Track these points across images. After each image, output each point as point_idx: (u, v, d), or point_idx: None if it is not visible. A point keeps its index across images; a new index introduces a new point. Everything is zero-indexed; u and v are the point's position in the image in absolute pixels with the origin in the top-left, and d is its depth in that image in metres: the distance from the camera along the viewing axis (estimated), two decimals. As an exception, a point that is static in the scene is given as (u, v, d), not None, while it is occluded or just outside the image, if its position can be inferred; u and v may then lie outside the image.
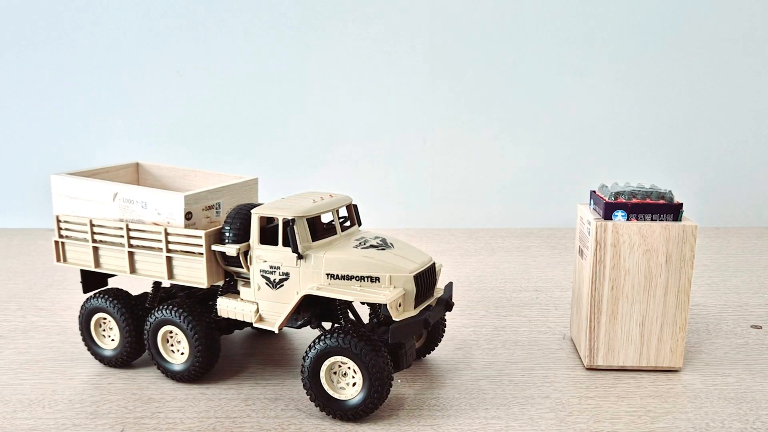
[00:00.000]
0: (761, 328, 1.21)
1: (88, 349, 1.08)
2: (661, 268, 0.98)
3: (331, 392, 0.89)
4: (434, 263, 0.96)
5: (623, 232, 0.97)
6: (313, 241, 0.92)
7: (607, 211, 0.98)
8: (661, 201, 1.00)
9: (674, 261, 0.98)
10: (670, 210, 0.99)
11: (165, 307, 1.00)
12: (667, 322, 0.99)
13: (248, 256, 0.95)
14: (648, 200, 0.99)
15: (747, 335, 1.18)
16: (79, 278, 1.10)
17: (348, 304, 0.98)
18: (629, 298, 0.99)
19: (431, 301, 0.95)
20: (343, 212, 1.02)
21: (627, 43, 1.95)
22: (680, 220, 1.00)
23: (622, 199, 0.99)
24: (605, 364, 1.02)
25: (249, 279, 0.96)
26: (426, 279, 0.93)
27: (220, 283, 1.00)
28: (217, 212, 0.99)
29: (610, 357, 1.02)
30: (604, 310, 1.00)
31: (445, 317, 1.08)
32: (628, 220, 0.98)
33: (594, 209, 1.04)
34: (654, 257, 0.97)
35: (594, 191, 1.05)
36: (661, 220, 0.99)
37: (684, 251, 0.97)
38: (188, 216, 0.94)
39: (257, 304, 0.96)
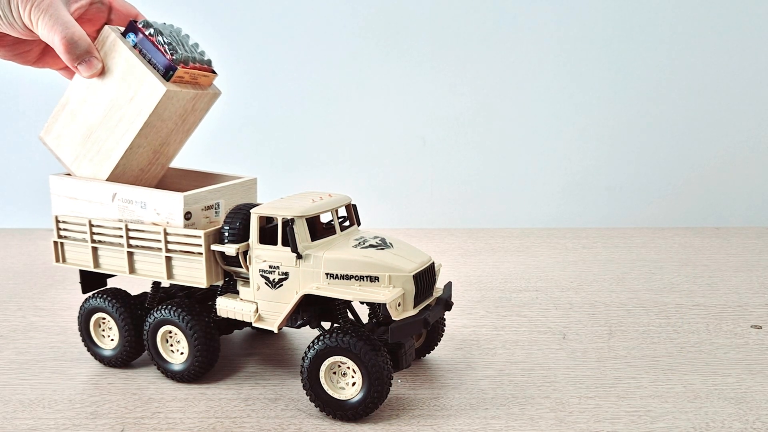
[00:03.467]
0: (761, 328, 1.21)
1: (88, 350, 1.08)
2: None
3: (330, 392, 0.89)
4: (433, 263, 0.96)
5: None
6: (312, 240, 0.92)
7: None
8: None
9: None
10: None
11: (164, 307, 0.99)
12: None
13: (247, 256, 0.95)
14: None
15: (747, 335, 1.18)
16: (78, 279, 1.10)
17: (347, 304, 0.98)
18: None
19: (430, 300, 0.95)
20: (342, 212, 1.02)
21: (626, 43, 1.95)
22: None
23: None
24: None
25: (248, 279, 0.96)
26: (425, 278, 0.92)
27: (220, 283, 1.00)
28: (216, 212, 0.99)
29: None
30: None
31: (445, 317, 1.08)
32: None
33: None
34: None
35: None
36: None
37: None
38: (187, 216, 0.94)
39: (257, 303, 0.96)
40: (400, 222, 2.07)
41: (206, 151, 2.06)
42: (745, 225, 2.02)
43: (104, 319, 1.06)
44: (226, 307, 0.98)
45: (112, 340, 1.06)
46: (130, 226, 0.99)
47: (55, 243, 1.06)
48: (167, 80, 0.95)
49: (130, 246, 1.00)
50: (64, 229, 1.05)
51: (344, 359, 0.88)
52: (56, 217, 1.05)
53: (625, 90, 1.99)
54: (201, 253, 0.95)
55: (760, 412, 0.91)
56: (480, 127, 2.03)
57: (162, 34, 0.96)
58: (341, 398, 0.89)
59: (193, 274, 0.97)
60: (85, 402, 0.96)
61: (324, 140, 2.06)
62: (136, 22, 0.95)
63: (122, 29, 0.96)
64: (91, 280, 1.10)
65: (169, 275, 0.99)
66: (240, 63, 2.00)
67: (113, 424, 0.89)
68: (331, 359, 0.88)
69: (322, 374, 0.89)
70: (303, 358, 0.90)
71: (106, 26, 0.95)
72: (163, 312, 0.99)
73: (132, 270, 1.01)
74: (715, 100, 1.98)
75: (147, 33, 0.95)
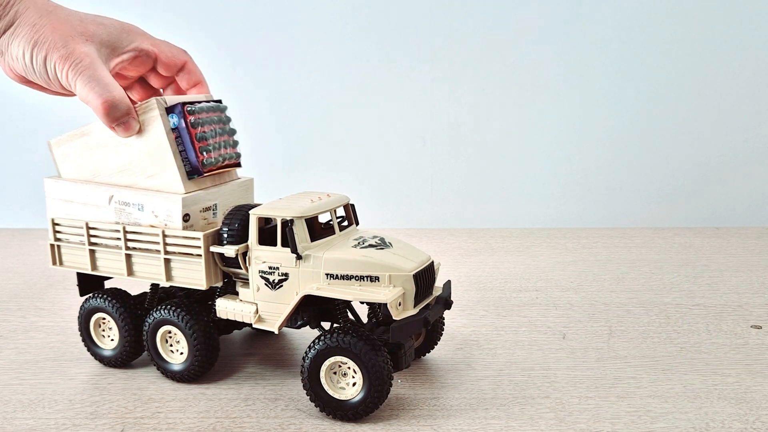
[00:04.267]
0: (761, 328, 1.21)
1: (88, 350, 1.08)
2: None
3: (331, 392, 0.89)
4: (433, 262, 0.96)
5: None
6: (311, 241, 0.92)
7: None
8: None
9: None
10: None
11: (164, 307, 0.99)
12: None
13: (247, 257, 0.95)
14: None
15: (747, 335, 1.18)
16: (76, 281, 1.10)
17: (347, 304, 0.98)
18: None
19: (430, 299, 0.95)
20: (341, 212, 1.02)
21: (626, 43, 1.95)
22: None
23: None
24: None
25: (248, 280, 0.96)
26: (425, 278, 0.92)
27: (219, 284, 1.00)
28: (214, 213, 0.99)
29: None
30: None
31: (444, 316, 1.08)
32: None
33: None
34: None
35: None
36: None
37: None
38: (186, 218, 0.94)
39: (256, 304, 0.96)
40: (400, 222, 2.07)
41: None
42: (745, 225, 2.02)
43: (104, 319, 1.06)
44: (225, 308, 0.98)
45: (112, 340, 1.06)
46: (128, 228, 0.99)
47: (52, 246, 1.06)
48: (189, 179, 0.95)
49: (128, 248, 1.00)
50: (61, 232, 1.05)
51: (345, 359, 0.88)
52: (52, 220, 1.05)
53: (626, 90, 1.99)
54: (200, 255, 0.95)
55: (760, 412, 0.91)
56: (480, 127, 2.03)
57: (203, 127, 0.95)
58: (341, 398, 0.89)
59: (193, 275, 0.97)
60: (85, 402, 0.96)
61: (324, 140, 2.06)
62: (185, 104, 0.93)
63: (168, 103, 0.94)
64: (89, 283, 1.10)
65: (168, 277, 0.98)
66: (240, 63, 2.00)
67: (113, 424, 0.89)
68: (332, 359, 0.88)
69: (322, 374, 0.89)
70: (303, 358, 0.90)
71: (154, 99, 0.93)
72: (162, 312, 0.99)
73: (130, 272, 1.01)
74: (716, 100, 1.98)
75: (189, 121, 0.93)
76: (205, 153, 0.95)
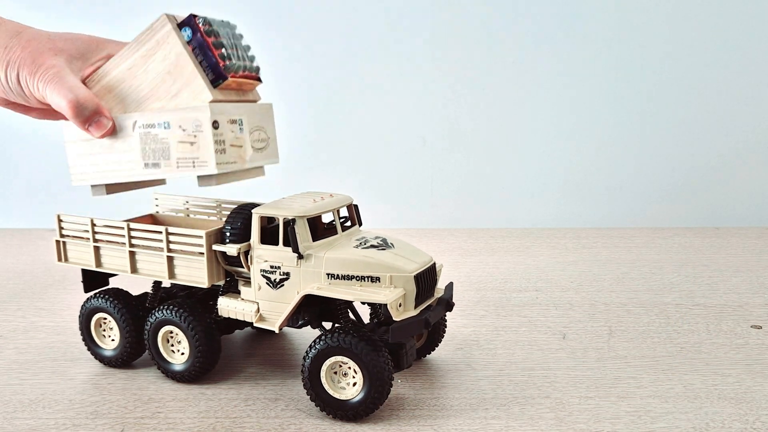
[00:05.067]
0: (761, 328, 1.21)
1: (88, 349, 1.08)
2: None
3: (331, 392, 0.89)
4: (434, 263, 0.96)
5: None
6: (313, 241, 0.92)
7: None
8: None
9: None
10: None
11: (165, 307, 0.99)
12: None
13: (249, 256, 0.95)
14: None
15: (747, 335, 1.18)
16: (80, 278, 1.10)
17: (348, 304, 0.98)
18: None
19: (432, 301, 0.95)
20: (344, 212, 1.02)
21: (627, 43, 1.95)
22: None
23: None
24: None
25: (249, 279, 0.96)
26: (426, 279, 0.92)
27: (221, 282, 1.00)
28: (240, 128, 0.93)
29: None
30: None
31: (446, 317, 1.08)
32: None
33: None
34: None
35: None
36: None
37: None
38: (215, 125, 0.88)
39: (258, 303, 0.96)
40: (401, 222, 2.07)
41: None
42: (745, 225, 2.02)
43: (105, 319, 1.06)
44: (227, 307, 0.98)
45: (113, 340, 1.06)
46: (132, 226, 0.99)
47: (57, 242, 1.07)
48: (214, 87, 0.89)
49: (132, 245, 1.00)
50: (66, 228, 1.06)
51: (345, 359, 0.88)
52: (58, 216, 1.06)
53: (626, 90, 1.99)
54: (202, 253, 0.95)
55: (760, 412, 0.91)
56: (480, 126, 2.03)
57: (218, 36, 0.90)
58: (342, 398, 0.89)
59: (195, 274, 0.97)
60: (86, 402, 0.96)
61: (325, 140, 2.06)
62: (195, 16, 0.90)
63: (179, 19, 0.90)
64: (93, 280, 1.10)
65: (171, 275, 0.99)
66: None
67: (113, 424, 0.89)
68: (333, 359, 0.88)
69: (323, 374, 0.89)
70: (304, 358, 0.90)
71: (164, 14, 0.89)
72: (164, 312, 0.99)
73: (134, 269, 1.01)
74: (716, 100, 1.98)
75: (204, 30, 0.89)
76: (225, 59, 0.89)
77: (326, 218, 1.00)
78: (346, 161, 2.06)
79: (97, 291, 1.08)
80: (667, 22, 1.93)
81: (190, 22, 0.89)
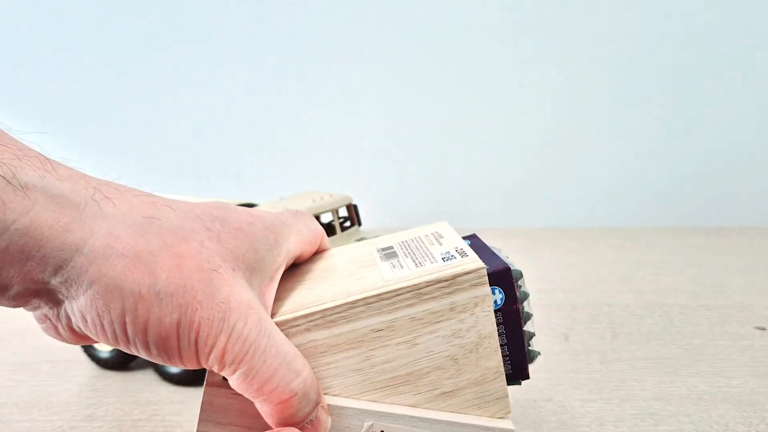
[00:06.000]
0: (766, 329, 1.20)
1: (85, 351, 1.07)
2: None
3: None
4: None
5: None
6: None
7: None
8: None
9: None
10: None
11: (162, 308, 0.98)
12: None
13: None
14: None
15: (751, 337, 1.16)
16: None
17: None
18: None
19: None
20: (343, 212, 1.01)
21: (627, 43, 1.94)
22: None
23: None
24: None
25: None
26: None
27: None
28: None
29: None
30: None
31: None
32: None
33: None
34: None
35: None
36: None
37: None
38: None
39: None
40: (400, 222, 2.06)
41: (205, 150, 2.06)
42: (750, 225, 2.01)
43: (101, 320, 1.05)
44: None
45: (110, 341, 1.05)
46: None
47: None
48: (509, 382, 0.58)
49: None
50: None
51: None
52: None
53: (629, 89, 1.98)
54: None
55: (765, 414, 0.89)
56: (480, 126, 2.02)
57: (523, 298, 0.59)
58: None
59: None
60: (82, 404, 0.95)
61: (325, 140, 2.05)
62: (510, 271, 0.56)
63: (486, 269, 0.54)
64: None
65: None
66: (239, 60, 2.00)
67: (110, 427, 0.88)
68: None
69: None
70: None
71: (484, 267, 0.53)
72: (160, 313, 0.98)
73: None
74: (721, 98, 1.97)
75: (517, 295, 0.57)
76: (532, 342, 0.60)
77: (325, 218, 0.99)
78: (346, 161, 2.05)
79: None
80: (668, 22, 1.92)
81: (506, 281, 0.56)
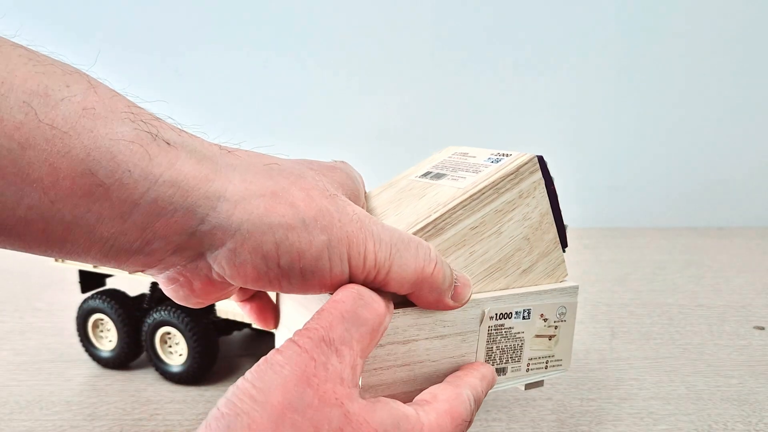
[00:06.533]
0: (764, 329, 1.20)
1: (86, 351, 1.08)
2: None
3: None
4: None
5: None
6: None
7: None
8: None
9: None
10: None
11: (163, 308, 0.99)
12: None
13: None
14: None
15: (750, 336, 1.17)
16: (77, 278, 1.09)
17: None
18: None
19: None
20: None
21: (628, 43, 1.94)
22: None
23: None
24: None
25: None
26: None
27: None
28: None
29: None
30: None
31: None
32: None
33: None
34: None
35: None
36: None
37: None
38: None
39: (256, 304, 0.94)
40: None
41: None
42: (748, 225, 2.01)
43: (102, 320, 1.05)
44: (226, 308, 0.98)
45: (110, 341, 1.06)
46: None
47: None
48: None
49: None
50: None
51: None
52: None
53: (628, 89, 1.98)
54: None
55: (763, 413, 0.90)
56: (480, 126, 2.02)
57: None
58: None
59: (192, 274, 0.96)
60: (83, 404, 0.95)
61: (324, 138, 2.05)
62: (543, 158, 0.66)
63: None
64: (90, 280, 1.09)
65: (168, 276, 0.97)
66: (239, 57, 2.00)
67: (111, 426, 0.89)
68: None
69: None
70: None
71: (535, 156, 0.65)
72: (161, 313, 0.98)
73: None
74: (720, 99, 1.97)
75: (551, 177, 0.68)
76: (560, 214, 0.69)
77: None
78: (347, 161, 2.06)
79: (94, 292, 1.07)
80: (670, 22, 1.93)
81: (543, 165, 0.66)
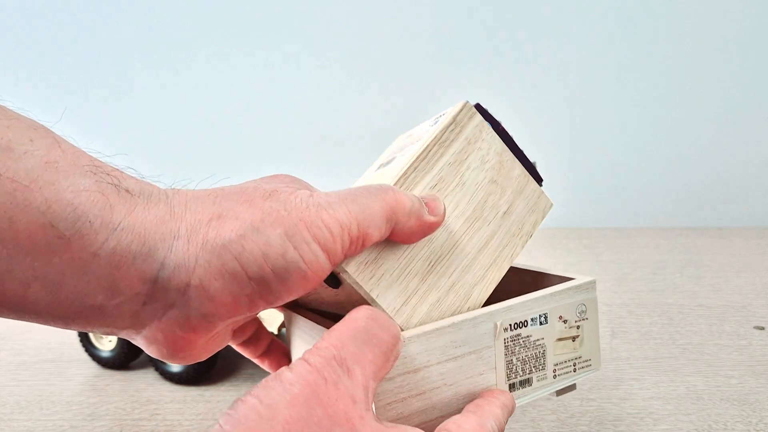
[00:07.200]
0: (764, 329, 1.20)
1: (86, 351, 1.08)
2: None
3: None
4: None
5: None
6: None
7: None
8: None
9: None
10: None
11: (163, 308, 0.99)
12: None
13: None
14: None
15: (750, 336, 1.17)
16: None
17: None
18: None
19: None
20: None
21: (627, 43, 1.94)
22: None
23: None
24: None
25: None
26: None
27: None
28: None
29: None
30: None
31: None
32: None
33: None
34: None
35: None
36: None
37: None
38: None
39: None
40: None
41: (205, 145, 2.06)
42: (748, 225, 2.01)
43: (102, 320, 1.05)
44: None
45: (110, 341, 1.06)
46: None
47: None
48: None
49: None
50: None
51: None
52: None
53: (629, 89, 1.98)
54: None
55: (763, 413, 0.90)
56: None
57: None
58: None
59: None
60: (83, 404, 0.95)
61: (324, 138, 2.05)
62: (480, 105, 0.67)
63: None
64: None
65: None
66: (240, 57, 2.00)
67: (111, 426, 0.89)
68: None
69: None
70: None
71: (467, 101, 0.65)
72: (161, 313, 0.99)
73: None
74: (720, 99, 1.97)
75: (497, 121, 0.67)
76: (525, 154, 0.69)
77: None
78: (347, 161, 2.06)
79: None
80: (671, 22, 1.93)
81: (483, 111, 0.67)
